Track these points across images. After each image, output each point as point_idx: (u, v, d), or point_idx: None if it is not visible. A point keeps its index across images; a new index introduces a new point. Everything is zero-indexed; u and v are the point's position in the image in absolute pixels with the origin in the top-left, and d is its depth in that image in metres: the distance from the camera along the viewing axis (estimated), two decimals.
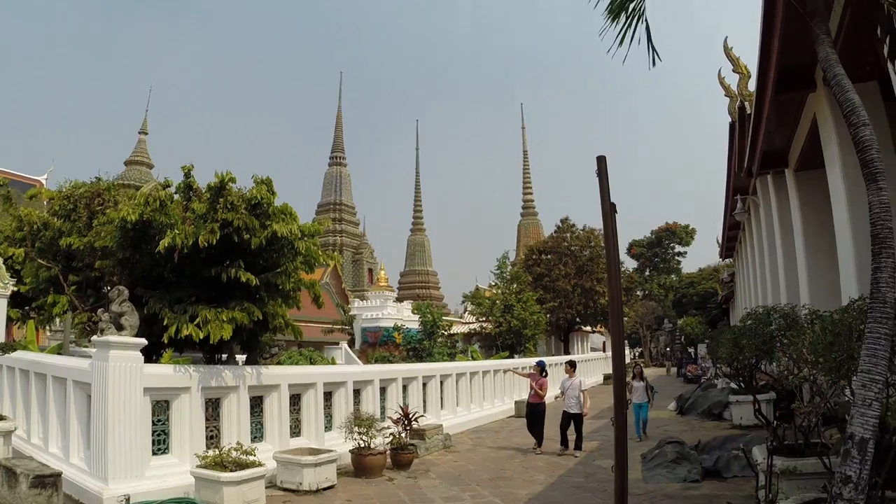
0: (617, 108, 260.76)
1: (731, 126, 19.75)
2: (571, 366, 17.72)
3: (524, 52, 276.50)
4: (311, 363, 18.34)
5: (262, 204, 11.83)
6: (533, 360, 22.70)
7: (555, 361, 34.06)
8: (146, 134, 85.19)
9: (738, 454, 11.95)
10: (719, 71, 19.66)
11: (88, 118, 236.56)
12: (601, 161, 7.70)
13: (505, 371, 25.98)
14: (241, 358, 15.05)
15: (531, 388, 17.53)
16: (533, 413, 17.27)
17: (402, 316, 48.14)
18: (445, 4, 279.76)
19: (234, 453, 10.29)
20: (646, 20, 8.04)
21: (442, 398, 20.38)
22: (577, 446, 16.19)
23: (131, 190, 18.84)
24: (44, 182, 78.55)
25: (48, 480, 9.47)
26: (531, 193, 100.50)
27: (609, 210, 7.65)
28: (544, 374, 17.75)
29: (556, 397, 17.86)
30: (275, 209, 12.15)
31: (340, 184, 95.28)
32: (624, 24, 8.00)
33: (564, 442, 16.25)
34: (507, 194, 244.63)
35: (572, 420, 16.39)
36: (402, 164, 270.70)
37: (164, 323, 11.59)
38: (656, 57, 8.27)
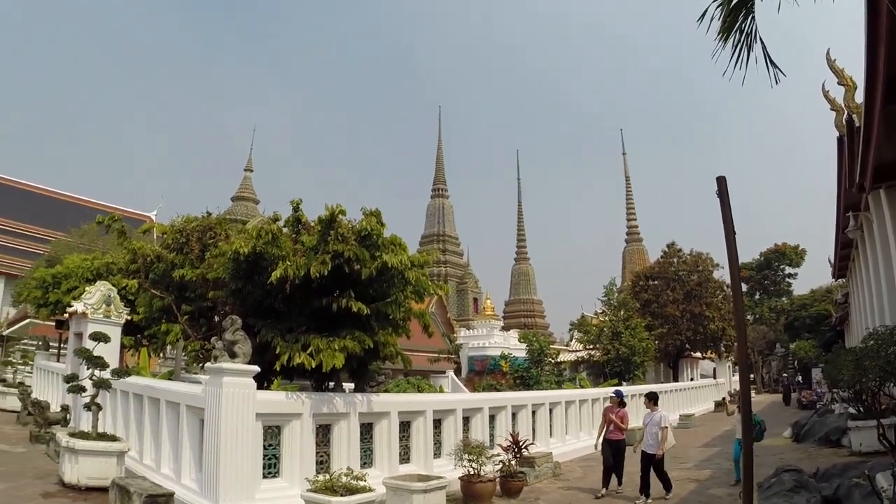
0: (716, 130, 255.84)
1: (840, 140, 19.11)
2: (652, 399, 15.14)
3: (622, 80, 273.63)
4: (419, 391, 18.51)
5: (371, 235, 11.99)
6: (643, 388, 22.30)
7: (662, 389, 33.64)
8: (251, 171, 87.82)
9: (860, 482, 11.49)
10: (823, 84, 19.12)
11: (194, 157, 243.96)
12: (721, 181, 7.66)
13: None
14: (348, 386, 15.27)
15: (609, 421, 15.18)
16: (615, 451, 14.91)
17: (509, 344, 47.92)
18: (537, 41, 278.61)
19: (344, 478, 10.33)
20: (760, 39, 7.92)
21: (551, 426, 20.25)
22: (666, 488, 14.12)
23: (239, 224, 19.43)
24: (153, 217, 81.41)
25: (161, 500, 9.84)
26: (635, 219, 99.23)
27: (731, 229, 7.59)
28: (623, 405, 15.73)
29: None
30: (384, 240, 12.33)
31: (443, 215, 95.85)
32: (739, 44, 7.90)
33: (645, 488, 13.92)
34: (609, 221, 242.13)
35: (651, 462, 14.08)
36: (503, 195, 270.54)
37: (277, 351, 11.87)
38: (778, 73, 8.12)
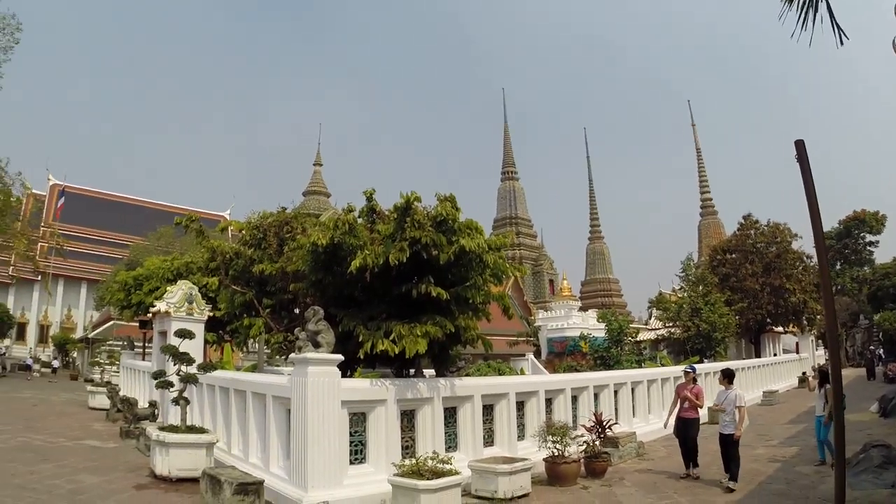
0: (785, 97, 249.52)
1: None
2: (727, 376, 14.03)
3: (688, 49, 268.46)
4: (500, 375, 18.48)
5: (447, 220, 11.99)
6: (721, 365, 21.85)
7: (744, 365, 33.22)
8: (321, 165, 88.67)
9: None
10: (894, 40, 18.48)
11: (264, 157, 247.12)
12: (800, 145, 7.49)
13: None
14: (428, 372, 15.30)
15: (683, 398, 14.32)
16: (687, 431, 14.16)
17: (588, 324, 47.50)
18: (605, 12, 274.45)
19: (430, 462, 10.44)
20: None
21: (633, 405, 20.06)
22: (732, 476, 12.78)
23: (312, 218, 19.58)
24: (227, 216, 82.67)
25: (251, 488, 9.99)
26: (709, 192, 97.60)
27: (813, 193, 7.42)
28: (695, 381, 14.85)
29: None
30: (460, 224, 12.32)
31: (515, 198, 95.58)
32: (805, 4, 7.70)
33: (728, 468, 12.94)
34: (683, 195, 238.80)
35: (726, 443, 13.13)
36: (572, 174, 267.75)
37: (360, 339, 11.98)
38: (842, 36, 7.91)
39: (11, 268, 77.91)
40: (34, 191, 63.08)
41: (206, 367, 15.47)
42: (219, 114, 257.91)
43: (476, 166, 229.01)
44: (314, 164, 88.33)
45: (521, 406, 15.01)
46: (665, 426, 15.27)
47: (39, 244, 66.60)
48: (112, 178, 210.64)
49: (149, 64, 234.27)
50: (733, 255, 50.27)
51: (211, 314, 18.68)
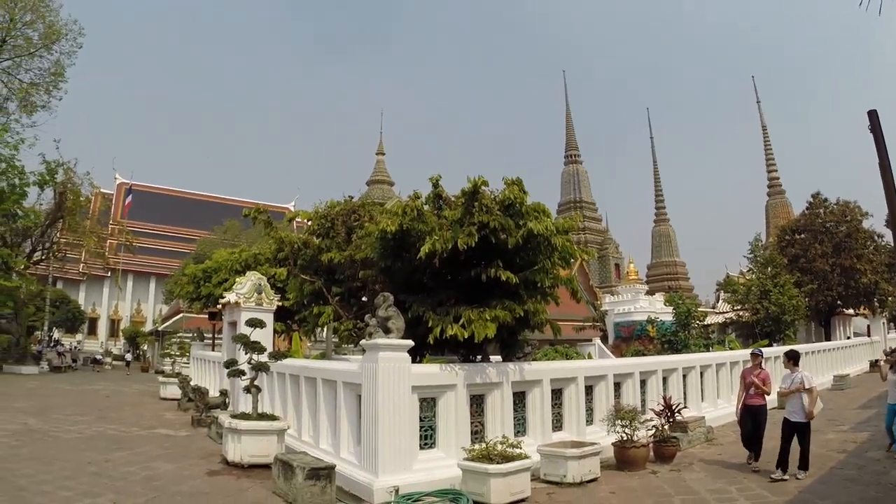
0: (855, 69, 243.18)
1: None
2: (792, 358, 12.89)
3: (752, 22, 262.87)
4: (568, 360, 18.37)
5: (514, 204, 11.93)
6: (789, 348, 21.27)
7: (814, 348, 32.68)
8: (383, 154, 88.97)
9: None
10: None
11: (326, 149, 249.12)
12: (873, 116, 7.31)
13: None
14: (495, 359, 15.28)
15: (749, 384, 13.25)
16: (754, 419, 13.20)
17: (654, 308, 46.51)
18: None
19: (499, 446, 10.47)
20: None
21: (702, 390, 19.77)
22: (802, 465, 12.00)
23: (379, 206, 19.67)
24: (291, 208, 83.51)
25: (322, 473, 10.07)
26: (776, 171, 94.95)
27: (888, 166, 7.24)
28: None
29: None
30: (527, 208, 12.23)
31: (578, 181, 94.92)
32: None
33: (783, 462, 11.93)
34: (748, 175, 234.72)
35: (795, 431, 12.07)
36: (635, 156, 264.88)
37: (430, 325, 12.00)
38: None
39: (82, 265, 79.67)
40: (102, 190, 64.20)
41: (277, 355, 15.68)
42: (278, 108, 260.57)
43: (538, 151, 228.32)
44: (377, 154, 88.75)
45: (589, 390, 14.86)
46: (737, 414, 14.03)
47: (108, 241, 67.80)
48: (176, 175, 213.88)
49: (211, 62, 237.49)
50: (802, 236, 49.16)
51: (279, 304, 18.87)
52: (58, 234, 48.91)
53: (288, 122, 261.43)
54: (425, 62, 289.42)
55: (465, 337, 11.62)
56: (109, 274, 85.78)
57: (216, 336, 33.03)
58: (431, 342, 12.05)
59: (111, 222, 77.47)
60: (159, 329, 59.97)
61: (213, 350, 30.93)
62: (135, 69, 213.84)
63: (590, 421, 14.64)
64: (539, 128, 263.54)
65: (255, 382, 14.15)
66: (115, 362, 58.88)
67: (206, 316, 32.71)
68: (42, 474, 11.95)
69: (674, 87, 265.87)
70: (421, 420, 11.43)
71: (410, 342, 11.08)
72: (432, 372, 11.71)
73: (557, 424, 13.90)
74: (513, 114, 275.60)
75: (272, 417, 13.84)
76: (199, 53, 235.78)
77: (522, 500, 10.29)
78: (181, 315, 50.77)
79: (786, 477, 11.77)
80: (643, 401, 16.35)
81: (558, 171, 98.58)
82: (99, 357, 61.21)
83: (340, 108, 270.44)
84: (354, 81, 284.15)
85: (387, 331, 10.86)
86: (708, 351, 26.05)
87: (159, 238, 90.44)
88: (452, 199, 13.33)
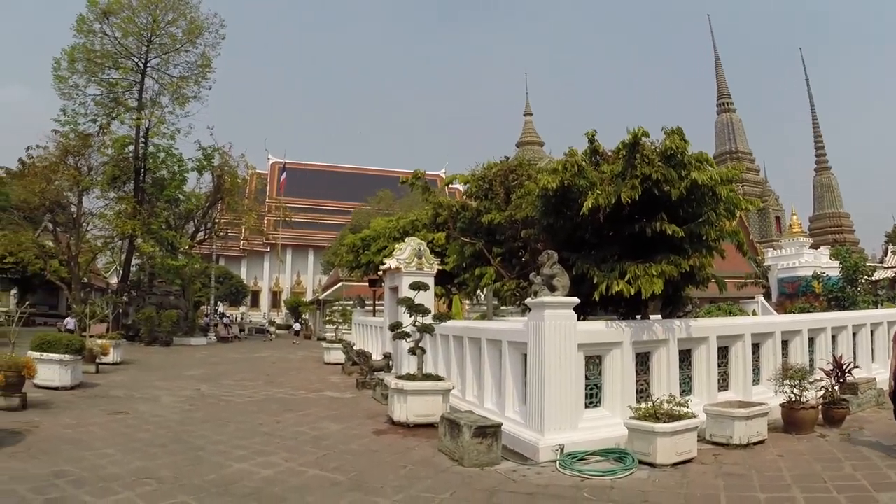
0: None
1: None
2: None
3: None
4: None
5: (676, 154, 11.58)
6: None
7: None
8: (531, 115, 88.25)
9: None
10: None
11: (472, 114, 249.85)
12: None
13: None
14: (654, 318, 15.03)
15: None
16: None
17: (820, 263, 44.68)
18: None
19: (666, 405, 10.26)
20: None
21: (872, 350, 18.79)
22: None
23: (533, 166, 19.59)
24: (443, 175, 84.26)
25: (489, 431, 10.15)
26: None
27: None
28: None
29: None
30: (689, 157, 11.84)
31: (733, 130, 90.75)
32: None
33: None
34: None
35: None
36: (790, 100, 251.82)
37: (595, 282, 11.86)
38: None
39: (243, 242, 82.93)
40: (257, 170, 66.29)
41: (441, 316, 15.88)
42: (422, 79, 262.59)
43: (686, 103, 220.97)
44: (524, 115, 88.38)
45: (755, 349, 14.36)
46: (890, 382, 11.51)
47: (266, 218, 70.16)
48: (327, 151, 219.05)
49: (352, 41, 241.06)
50: None
51: (439, 268, 19.06)
52: (218, 215, 50.93)
53: (432, 92, 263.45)
54: (566, 19, 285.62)
55: (632, 294, 11.45)
56: (269, 249, 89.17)
57: (377, 302, 33.77)
58: (597, 299, 11.92)
59: (267, 200, 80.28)
60: (320, 298, 61.60)
61: (373, 316, 31.62)
62: (280, 55, 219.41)
63: (756, 381, 14.16)
64: (685, 78, 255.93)
65: (420, 344, 14.39)
66: (278, 331, 60.80)
67: (367, 283, 33.61)
68: (217, 435, 12.50)
69: (831, 23, 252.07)
70: (586, 378, 11.36)
71: (576, 299, 10.98)
72: (598, 329, 11.60)
73: (723, 384, 13.54)
74: (657, 65, 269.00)
75: (437, 378, 14.04)
76: (341, 34, 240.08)
77: (688, 461, 10.05)
78: (341, 284, 52.05)
79: None
80: (811, 360, 15.70)
81: (710, 123, 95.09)
82: (265, 327, 63.51)
83: (483, 72, 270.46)
84: (495, 43, 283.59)
85: (552, 288, 10.78)
86: (877, 308, 24.94)
87: (314, 212, 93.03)
88: (609, 153, 13.15)
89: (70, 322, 32.50)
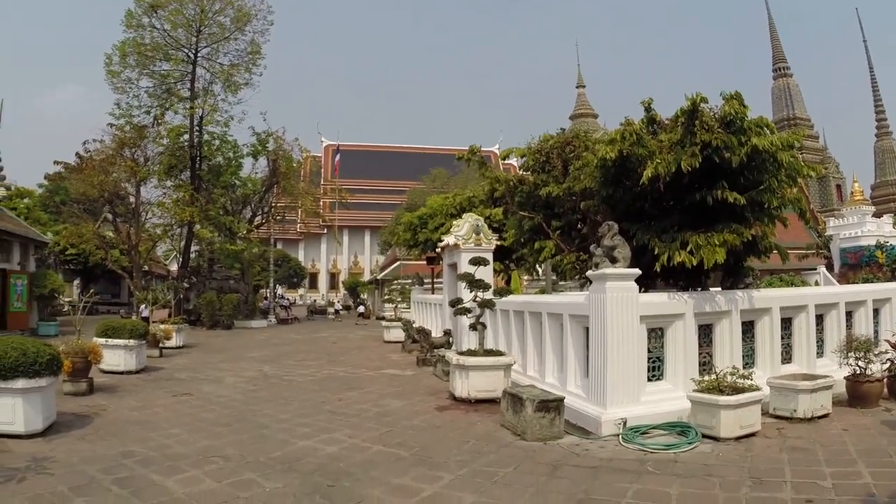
0: None
1: None
2: None
3: None
4: None
5: (735, 120, 11.34)
6: None
7: None
8: (583, 87, 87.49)
9: None
10: None
11: (525, 87, 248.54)
12: None
13: None
14: (714, 290, 14.83)
15: None
16: None
17: (883, 232, 43.69)
18: None
19: (729, 377, 10.11)
20: None
21: None
22: None
23: (590, 138, 19.43)
24: (496, 151, 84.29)
25: (551, 405, 10.18)
26: None
27: None
28: None
29: None
30: (749, 123, 11.56)
31: (791, 96, 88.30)
32: None
33: None
34: None
35: None
36: (846, 63, 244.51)
37: (655, 252, 11.71)
38: None
39: (299, 224, 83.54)
40: (311, 153, 66.77)
41: (502, 291, 15.90)
42: (471, 57, 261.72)
43: (741, 68, 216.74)
44: (577, 87, 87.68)
45: (819, 320, 14.03)
46: None
47: (322, 200, 70.65)
48: (379, 132, 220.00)
49: (402, 23, 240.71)
50: None
51: (497, 243, 19.02)
52: (274, 199, 51.38)
53: (483, 69, 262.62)
54: None
55: (693, 264, 11.26)
56: (326, 231, 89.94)
57: (434, 280, 33.90)
58: (657, 270, 11.75)
59: (322, 182, 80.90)
60: (378, 278, 62.03)
61: (432, 294, 31.82)
62: (329, 37, 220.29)
63: (820, 353, 13.85)
64: (741, 42, 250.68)
65: (481, 319, 14.40)
66: (339, 313, 61.27)
67: (424, 261, 33.76)
68: (281, 413, 12.71)
69: None
70: (648, 351, 11.28)
71: (637, 271, 10.87)
72: (660, 301, 11.45)
73: (786, 356, 13.31)
74: (710, 33, 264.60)
75: (498, 353, 14.04)
76: (390, 13, 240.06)
77: (752, 435, 9.90)
78: (398, 263, 52.41)
79: None
80: (876, 332, 15.32)
81: (766, 90, 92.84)
82: (327, 307, 64.12)
83: (533, 46, 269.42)
84: (546, 15, 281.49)
85: (613, 260, 10.71)
86: None
87: (369, 192, 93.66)
88: (666, 122, 12.94)
89: (144, 310, 33.17)
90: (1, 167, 48.95)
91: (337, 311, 60.00)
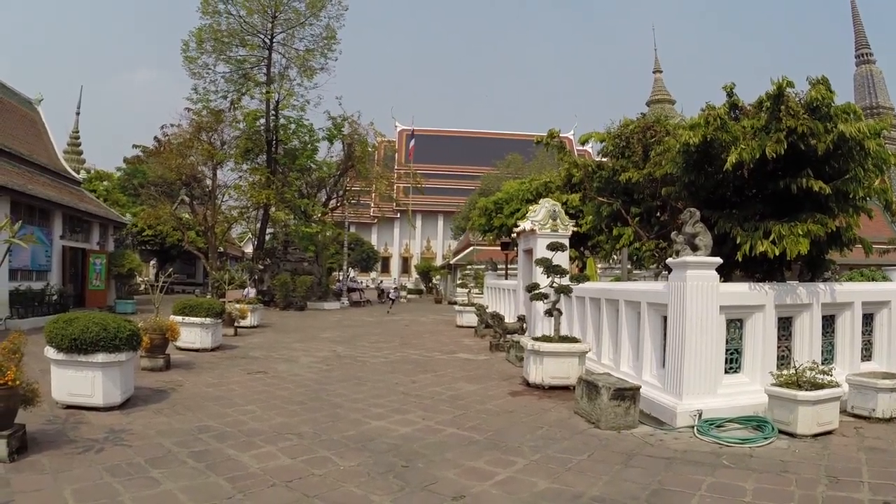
0: None
1: None
2: None
3: None
4: None
5: (821, 106, 11.04)
6: None
7: None
8: (661, 72, 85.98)
9: None
10: None
11: (600, 73, 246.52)
12: None
13: None
14: (792, 283, 14.49)
15: None
16: None
17: None
18: None
19: (808, 373, 9.82)
20: None
21: None
22: None
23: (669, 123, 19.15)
24: (572, 137, 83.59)
25: (627, 394, 10.10)
26: None
27: None
28: None
29: None
30: (836, 109, 11.22)
31: (874, 83, 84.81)
32: None
33: None
34: None
35: None
36: None
37: (737, 241, 11.48)
38: None
39: (373, 208, 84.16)
40: (386, 138, 67.27)
41: (579, 277, 15.78)
42: (548, 44, 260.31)
43: (820, 54, 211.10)
44: (654, 72, 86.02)
45: None
46: None
47: (395, 185, 70.99)
48: (451, 116, 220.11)
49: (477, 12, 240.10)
50: None
51: (573, 229, 18.89)
52: (349, 182, 51.68)
53: (558, 56, 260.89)
54: None
55: (776, 254, 10.99)
56: (399, 215, 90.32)
57: (509, 266, 33.87)
58: (739, 259, 11.51)
59: (396, 167, 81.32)
60: (451, 263, 62.17)
61: (506, 279, 31.77)
62: (403, 23, 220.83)
63: None
64: (821, 25, 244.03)
65: (557, 305, 14.33)
66: (409, 296, 61.43)
67: (499, 247, 33.83)
68: (354, 394, 12.83)
69: None
70: (726, 343, 11.07)
71: (719, 259, 10.65)
72: (741, 291, 11.20)
73: (866, 354, 12.91)
74: (788, 18, 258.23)
75: (573, 340, 13.93)
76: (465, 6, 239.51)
77: (829, 433, 9.67)
78: (472, 248, 52.59)
79: None
80: None
81: (848, 77, 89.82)
82: (395, 290, 64.50)
83: (609, 31, 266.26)
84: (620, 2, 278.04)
85: (694, 248, 10.52)
86: None
87: (443, 177, 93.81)
88: (749, 107, 12.62)
89: (250, 291, 33.81)
90: (81, 150, 50.25)
91: (391, 298, 51.06)
